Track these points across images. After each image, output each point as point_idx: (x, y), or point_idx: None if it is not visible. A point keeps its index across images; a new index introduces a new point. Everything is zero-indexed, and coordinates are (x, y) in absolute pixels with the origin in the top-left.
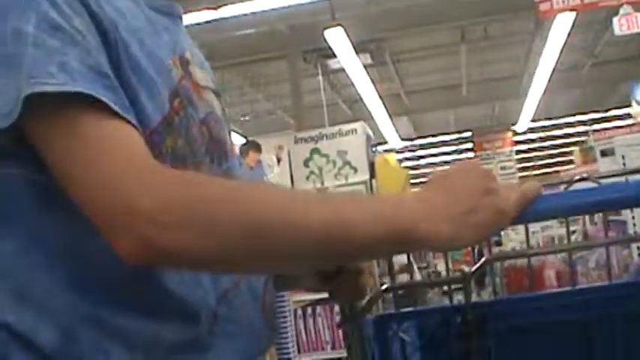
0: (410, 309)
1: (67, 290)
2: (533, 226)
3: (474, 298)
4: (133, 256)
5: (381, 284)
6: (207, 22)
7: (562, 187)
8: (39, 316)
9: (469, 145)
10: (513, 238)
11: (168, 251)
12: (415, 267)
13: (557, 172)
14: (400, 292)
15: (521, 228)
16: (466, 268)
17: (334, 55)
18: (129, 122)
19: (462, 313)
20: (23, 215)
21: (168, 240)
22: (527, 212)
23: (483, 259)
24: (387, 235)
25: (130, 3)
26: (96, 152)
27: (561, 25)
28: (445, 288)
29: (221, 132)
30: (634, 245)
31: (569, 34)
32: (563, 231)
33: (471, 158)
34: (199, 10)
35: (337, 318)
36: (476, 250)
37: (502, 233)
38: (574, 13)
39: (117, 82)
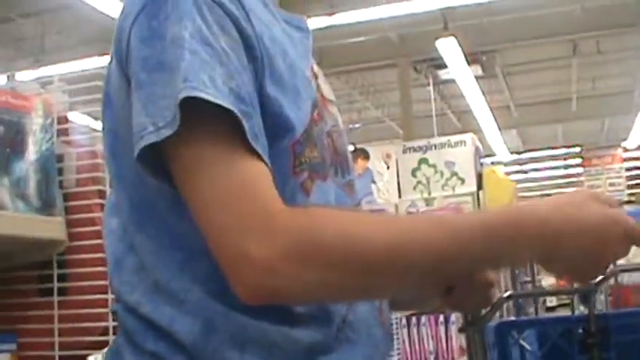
0: (532, 317)
1: (204, 288)
2: None
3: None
4: (250, 299)
5: (505, 292)
6: (319, 28)
7: None
8: (177, 310)
9: (578, 161)
10: None
11: (283, 298)
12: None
13: None
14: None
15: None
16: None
17: (445, 66)
18: (258, 155)
19: (585, 323)
20: (165, 218)
21: (284, 288)
22: None
23: (610, 270)
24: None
25: (269, 15)
26: (221, 192)
27: None
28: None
29: (343, 145)
30: None
31: None
32: None
33: (580, 174)
34: (314, 16)
35: (442, 328)
36: None
37: None
38: None
39: (251, 108)
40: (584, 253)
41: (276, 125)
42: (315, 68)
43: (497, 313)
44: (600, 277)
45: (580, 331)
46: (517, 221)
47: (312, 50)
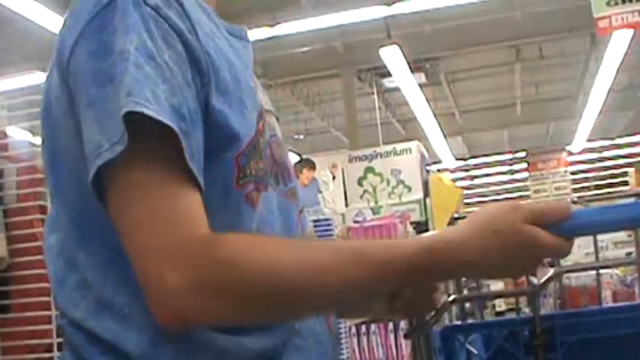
0: (477, 321)
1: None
2: (588, 248)
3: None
4: (165, 324)
5: (448, 296)
6: (261, 40)
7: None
8: (122, 324)
9: (523, 165)
10: (568, 258)
11: (196, 324)
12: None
13: (611, 193)
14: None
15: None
16: (535, 280)
17: (389, 74)
18: (192, 177)
19: (530, 325)
20: (106, 234)
21: (195, 315)
22: (568, 227)
23: (553, 271)
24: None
25: (213, 27)
26: (146, 214)
27: (618, 44)
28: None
29: (283, 154)
30: None
31: (625, 54)
32: (616, 253)
33: (526, 178)
34: (255, 27)
35: (391, 336)
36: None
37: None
38: (631, 32)
39: (191, 126)
40: (499, 270)
41: (221, 137)
42: (255, 78)
43: (446, 318)
44: (544, 279)
45: (526, 333)
46: (433, 254)
47: (253, 61)
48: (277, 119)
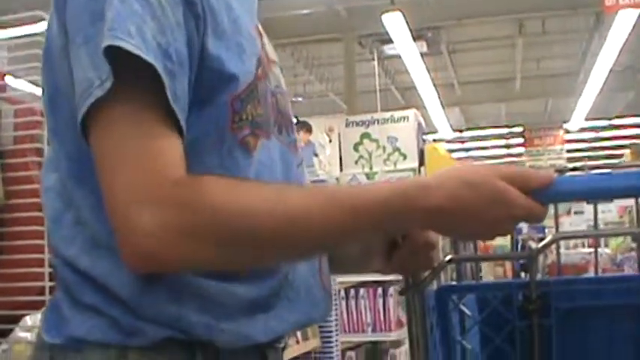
0: (472, 282)
1: None
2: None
3: None
4: (133, 266)
5: (445, 256)
6: None
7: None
8: (114, 264)
9: (520, 140)
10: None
11: (165, 267)
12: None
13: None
14: None
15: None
16: (533, 245)
17: (390, 41)
18: (174, 118)
19: (525, 289)
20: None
21: (165, 258)
22: (552, 193)
23: (551, 237)
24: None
25: None
26: (122, 155)
27: (622, 24)
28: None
29: (287, 105)
30: None
31: (629, 34)
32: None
33: (521, 154)
34: None
35: (380, 301)
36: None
37: (546, 230)
38: (637, 12)
39: (178, 68)
40: (471, 225)
41: (215, 80)
42: (260, 28)
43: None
44: (542, 243)
45: (520, 297)
46: (408, 198)
47: (256, 8)
48: (281, 70)
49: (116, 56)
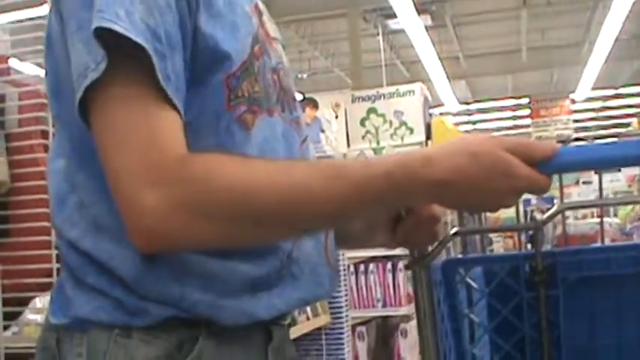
0: (479, 255)
1: None
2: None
3: None
4: (141, 246)
5: (451, 228)
6: None
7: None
8: (116, 246)
9: (526, 112)
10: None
11: (173, 246)
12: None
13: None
14: None
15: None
16: (538, 216)
17: (394, 16)
18: (167, 98)
19: (532, 260)
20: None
21: (172, 237)
22: (556, 164)
23: (556, 208)
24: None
25: None
26: (121, 136)
27: None
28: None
29: (289, 82)
30: None
31: (634, 3)
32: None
33: (528, 125)
34: None
35: (389, 276)
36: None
37: (555, 201)
38: None
39: (168, 49)
40: (474, 197)
41: (210, 60)
42: (261, 6)
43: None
44: (548, 214)
45: (527, 268)
46: (410, 170)
47: None
48: (283, 47)
49: (109, 40)
